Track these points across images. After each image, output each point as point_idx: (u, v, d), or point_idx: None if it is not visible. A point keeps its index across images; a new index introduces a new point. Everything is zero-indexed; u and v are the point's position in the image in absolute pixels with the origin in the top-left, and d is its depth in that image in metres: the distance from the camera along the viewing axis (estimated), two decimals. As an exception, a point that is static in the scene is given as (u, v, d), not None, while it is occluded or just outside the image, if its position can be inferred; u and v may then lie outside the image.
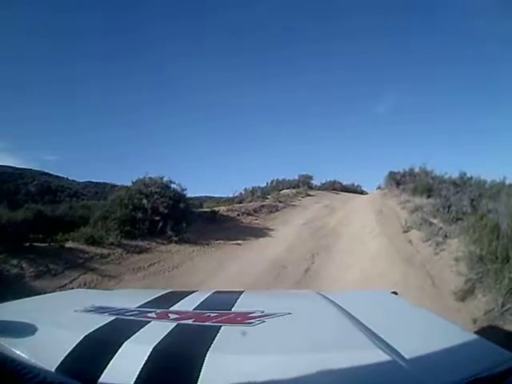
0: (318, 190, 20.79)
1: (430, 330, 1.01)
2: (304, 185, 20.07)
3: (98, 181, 26.33)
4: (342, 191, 22.56)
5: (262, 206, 13.01)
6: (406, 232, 7.48)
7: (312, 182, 21.24)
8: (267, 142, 47.70)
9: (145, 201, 7.97)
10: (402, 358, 0.73)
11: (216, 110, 45.81)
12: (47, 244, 5.87)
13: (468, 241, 4.99)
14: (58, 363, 0.76)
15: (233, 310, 1.12)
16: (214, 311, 1.09)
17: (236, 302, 1.22)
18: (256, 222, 11.11)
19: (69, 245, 6.19)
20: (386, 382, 0.69)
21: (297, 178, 21.27)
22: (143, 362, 0.74)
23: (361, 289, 4.64)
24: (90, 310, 1.13)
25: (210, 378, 0.68)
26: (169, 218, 7.93)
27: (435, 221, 7.65)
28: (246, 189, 16.47)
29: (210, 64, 39.99)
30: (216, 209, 11.26)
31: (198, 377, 0.68)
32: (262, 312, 1.06)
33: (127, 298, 1.49)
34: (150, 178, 8.81)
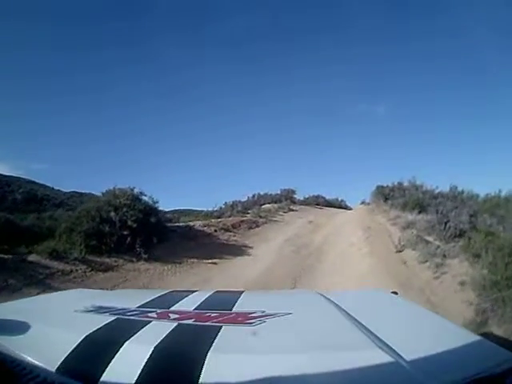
0: (301, 204, 20.54)
1: (430, 330, 1.00)
2: (286, 199, 19.72)
3: (83, 191, 26.39)
4: (325, 206, 22.57)
5: (242, 221, 12.44)
6: (399, 252, 6.65)
7: (295, 196, 20.94)
8: (249, 156, 47.52)
9: (113, 213, 7.52)
10: (402, 357, 0.73)
11: (197, 122, 46.73)
12: (10, 256, 5.67)
13: (472, 261, 4.09)
14: (59, 363, 0.76)
15: (233, 310, 1.13)
16: (214, 311, 1.10)
17: (236, 302, 1.23)
18: (234, 238, 10.63)
19: (32, 258, 5.91)
20: (386, 381, 0.69)
21: (279, 192, 20.96)
22: (144, 362, 0.74)
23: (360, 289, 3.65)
24: (91, 310, 1.13)
25: (210, 377, 0.68)
26: (138, 233, 7.51)
27: (430, 238, 7.20)
28: (226, 203, 16.07)
29: (197, 75, 42.18)
30: (192, 224, 10.84)
31: (198, 377, 0.68)
32: (263, 312, 1.06)
33: (128, 298, 1.49)
34: (119, 188, 8.43)
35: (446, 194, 10.57)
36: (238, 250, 8.87)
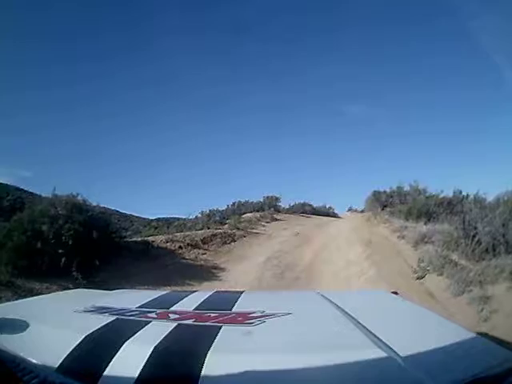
0: (286, 213, 19.47)
1: (431, 330, 1.05)
2: (270, 208, 18.45)
3: None
4: (313, 214, 21.54)
5: (214, 234, 10.99)
6: (419, 278, 5.64)
7: (279, 204, 19.82)
8: (235, 162, 47.32)
9: (45, 226, 6.40)
10: (402, 357, 0.78)
11: (181, 128, 46.83)
12: None
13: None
14: (59, 363, 0.82)
15: (233, 310, 1.20)
16: (214, 311, 1.18)
17: (236, 302, 1.30)
18: (203, 257, 9.25)
19: None
20: (386, 381, 0.73)
21: (262, 200, 19.68)
22: (144, 362, 0.79)
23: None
24: (91, 310, 1.20)
25: (210, 377, 0.73)
26: (77, 252, 6.41)
27: (454, 256, 5.77)
28: (202, 212, 15.00)
29: (181, 82, 42.61)
30: (152, 239, 9.60)
31: (198, 377, 0.73)
32: (263, 312, 1.13)
33: (127, 298, 1.55)
34: (55, 195, 7.27)
35: (449, 199, 10.09)
36: (206, 274, 7.84)
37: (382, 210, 12.54)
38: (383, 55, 43.43)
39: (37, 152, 39.77)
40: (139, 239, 9.60)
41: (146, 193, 42.26)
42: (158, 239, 9.50)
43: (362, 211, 24.19)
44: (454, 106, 41.39)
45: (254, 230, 12.65)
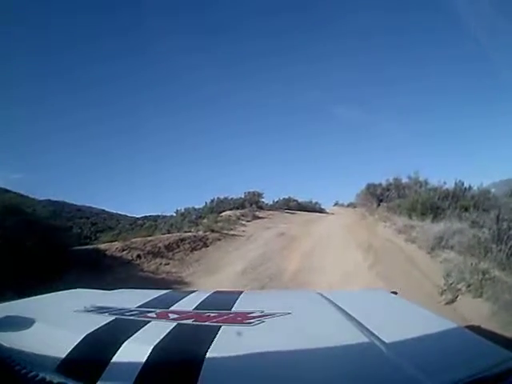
0: (270, 209, 18.10)
1: (431, 330, 1.05)
2: (251, 204, 16.96)
3: (56, 199, 27.71)
4: (298, 210, 20.41)
5: (182, 239, 9.48)
6: (450, 302, 4.14)
7: (262, 200, 18.40)
8: (217, 158, 50.92)
9: None
10: (402, 357, 0.81)
11: (166, 128, 46.71)
12: None
13: None
14: (58, 363, 0.86)
15: (232, 310, 1.26)
16: (213, 311, 1.22)
17: (236, 302, 1.35)
18: (166, 268, 7.84)
19: None
20: (385, 381, 0.76)
21: (243, 196, 18.15)
22: (143, 362, 0.82)
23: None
24: (90, 310, 1.25)
25: (210, 377, 0.76)
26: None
27: (484, 265, 4.39)
28: (177, 210, 13.91)
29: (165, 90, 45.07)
30: (107, 246, 8.26)
31: (197, 377, 0.76)
32: (262, 312, 1.18)
33: (127, 298, 1.59)
34: None
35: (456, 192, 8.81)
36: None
37: (378, 205, 11.17)
38: (371, 44, 43.48)
39: (25, 153, 39.46)
40: (91, 247, 8.54)
41: (134, 191, 44.79)
42: (114, 247, 8.42)
43: (351, 205, 23.84)
44: (445, 95, 41.93)
45: (232, 232, 11.51)
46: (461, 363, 0.82)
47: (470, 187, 10.12)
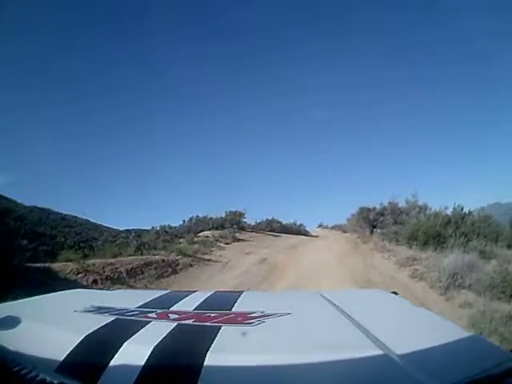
0: (252, 230, 17.09)
1: (430, 330, 1.10)
2: (233, 225, 15.70)
3: (42, 206, 30.25)
4: (282, 232, 19.45)
5: (148, 263, 8.32)
6: None
7: (244, 220, 17.23)
8: (199, 172, 52.75)
9: None
10: (402, 357, 0.82)
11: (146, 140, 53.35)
12: None
13: None
14: (58, 363, 0.88)
15: (233, 310, 1.28)
16: (214, 311, 1.25)
17: (236, 302, 1.37)
18: None
19: None
20: (385, 382, 0.77)
21: (224, 215, 16.80)
22: (143, 362, 0.83)
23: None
24: (90, 310, 1.26)
25: (210, 378, 0.77)
26: None
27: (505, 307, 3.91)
28: (152, 227, 13.43)
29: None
30: (61, 266, 7.13)
31: (198, 377, 0.77)
32: (262, 312, 1.19)
33: (127, 298, 1.60)
34: None
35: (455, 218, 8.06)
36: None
37: (372, 232, 10.26)
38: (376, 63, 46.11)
39: (14, 157, 41.71)
40: (42, 266, 7.14)
41: (119, 203, 46.71)
42: (69, 268, 7.29)
43: (336, 227, 23.77)
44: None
45: (207, 256, 10.50)
46: (461, 363, 0.83)
47: (469, 212, 9.42)
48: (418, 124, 46.81)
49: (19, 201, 31.19)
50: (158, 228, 14.19)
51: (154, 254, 10.03)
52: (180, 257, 9.71)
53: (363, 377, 0.75)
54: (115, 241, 13.46)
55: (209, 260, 10.41)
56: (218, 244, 12.66)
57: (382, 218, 10.86)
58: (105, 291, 1.91)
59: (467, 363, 0.82)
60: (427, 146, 46.50)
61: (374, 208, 11.69)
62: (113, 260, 8.81)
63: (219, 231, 14.76)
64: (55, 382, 0.73)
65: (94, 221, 34.85)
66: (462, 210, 9.69)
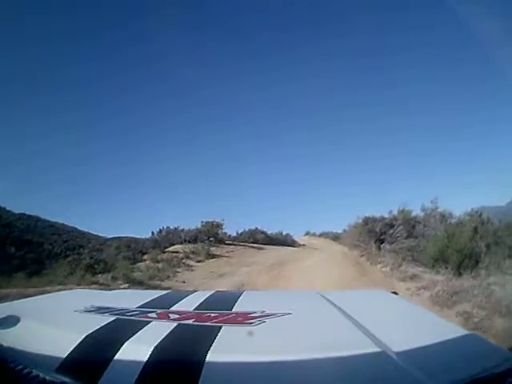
0: (232, 243, 15.50)
1: (431, 330, 1.10)
2: (209, 237, 13.91)
3: (31, 214, 29.93)
4: (266, 244, 17.84)
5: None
6: None
7: (223, 231, 15.72)
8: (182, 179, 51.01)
9: None
10: (402, 357, 0.83)
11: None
12: None
13: None
14: (59, 363, 0.88)
15: (233, 310, 1.29)
16: (214, 311, 1.26)
17: (236, 302, 1.39)
18: None
19: None
20: (385, 382, 0.78)
21: (199, 226, 15.21)
22: (144, 362, 0.84)
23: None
24: (91, 310, 1.26)
25: (210, 378, 0.78)
26: None
27: None
28: (113, 239, 14.95)
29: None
30: None
31: (198, 377, 0.77)
32: (263, 312, 1.21)
33: (127, 298, 1.60)
34: None
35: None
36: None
37: (379, 248, 8.29)
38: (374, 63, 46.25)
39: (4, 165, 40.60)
40: None
41: (107, 209, 46.26)
42: None
43: (324, 235, 24.08)
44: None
45: (167, 283, 7.82)
46: (461, 363, 0.84)
47: (488, 220, 7.63)
48: (418, 124, 46.79)
49: (7, 208, 31.94)
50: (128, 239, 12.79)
51: (93, 282, 7.96)
52: (127, 285, 7.82)
53: (363, 376, 0.76)
54: (102, 249, 13.56)
55: (167, 289, 8.95)
56: (187, 262, 11.00)
57: (391, 231, 9.29)
58: (105, 291, 1.86)
59: (466, 362, 0.83)
60: (427, 146, 46.36)
61: (383, 218, 9.95)
62: (41, 288, 7.56)
63: (192, 245, 13.17)
64: (56, 381, 0.74)
65: (82, 228, 35.15)
66: (481, 215, 7.84)
